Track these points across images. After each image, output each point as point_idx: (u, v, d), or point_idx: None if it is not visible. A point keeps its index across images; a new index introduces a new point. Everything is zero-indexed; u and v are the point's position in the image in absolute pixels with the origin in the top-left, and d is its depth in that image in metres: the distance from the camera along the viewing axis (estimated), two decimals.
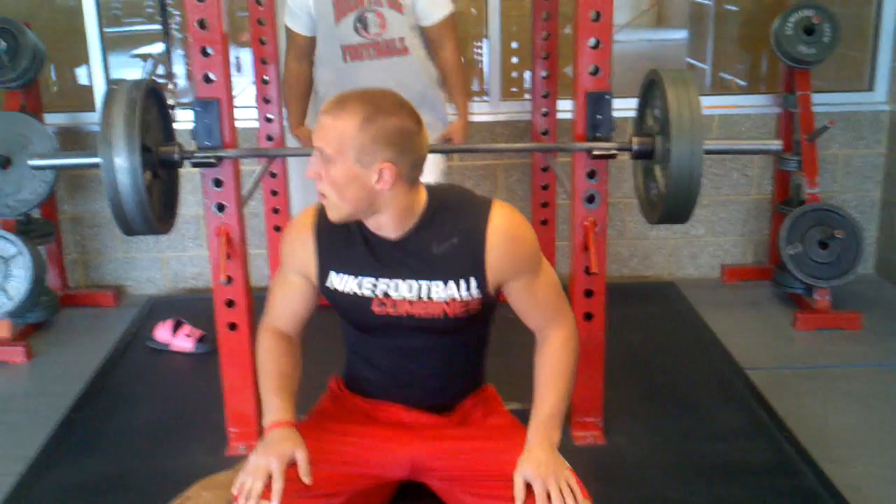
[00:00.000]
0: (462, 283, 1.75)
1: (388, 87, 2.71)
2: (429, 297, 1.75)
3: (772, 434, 2.82)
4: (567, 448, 2.62)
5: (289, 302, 1.92)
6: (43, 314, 3.81)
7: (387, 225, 1.75)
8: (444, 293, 1.75)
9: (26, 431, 2.97)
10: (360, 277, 1.78)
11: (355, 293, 1.79)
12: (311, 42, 3.21)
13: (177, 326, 3.55)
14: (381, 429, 1.85)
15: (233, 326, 2.70)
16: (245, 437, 2.77)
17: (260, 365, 1.91)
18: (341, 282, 1.81)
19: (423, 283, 1.75)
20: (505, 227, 1.78)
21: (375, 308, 1.79)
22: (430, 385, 1.88)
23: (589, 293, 2.70)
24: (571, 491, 1.69)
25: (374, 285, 1.77)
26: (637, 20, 6.47)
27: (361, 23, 3.04)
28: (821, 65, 3.91)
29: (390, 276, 1.76)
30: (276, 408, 1.81)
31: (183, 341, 3.52)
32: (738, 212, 4.29)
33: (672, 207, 2.45)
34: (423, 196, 1.78)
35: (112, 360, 3.48)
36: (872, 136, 4.18)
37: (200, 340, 3.52)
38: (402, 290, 1.76)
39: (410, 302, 1.77)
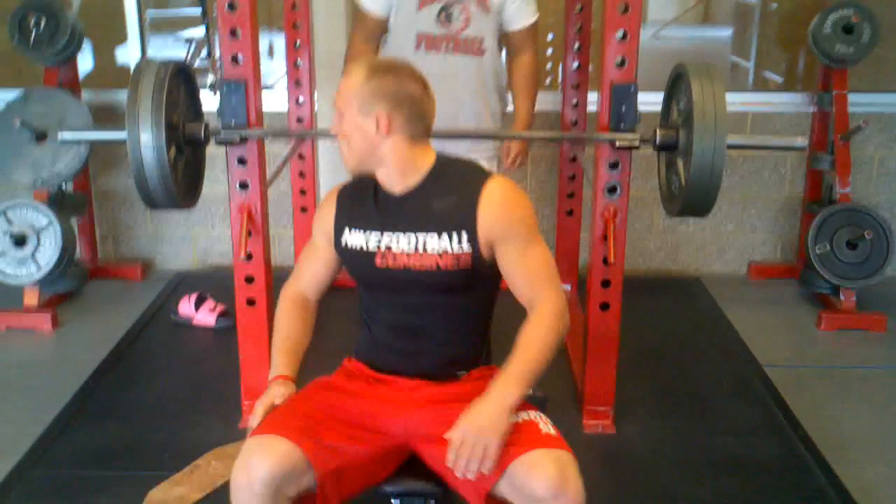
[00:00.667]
0: (454, 235, 1.84)
1: (454, 84, 2.74)
2: (424, 250, 1.85)
3: (785, 432, 2.80)
4: (577, 436, 2.68)
5: (311, 263, 2.06)
6: (71, 284, 3.88)
7: (391, 178, 1.89)
8: (437, 245, 1.85)
9: (48, 396, 3.03)
10: (367, 232, 1.91)
11: (362, 248, 1.91)
12: (383, 24, 3.05)
13: (200, 301, 3.61)
14: (381, 393, 1.91)
15: (251, 302, 2.74)
16: None
17: (275, 326, 2.05)
18: (352, 237, 1.93)
19: (420, 235, 1.86)
20: (500, 189, 1.88)
21: (378, 261, 1.89)
22: (432, 351, 1.92)
23: (606, 283, 2.70)
24: (486, 457, 1.66)
25: (379, 239, 1.89)
26: (683, 17, 6.44)
27: (446, 14, 2.93)
28: (858, 65, 3.85)
29: (392, 230, 1.88)
30: (279, 364, 1.96)
31: (205, 316, 3.58)
32: (769, 209, 4.25)
33: (692, 200, 2.42)
34: (430, 157, 1.92)
35: (135, 331, 3.55)
36: None
37: (222, 315, 3.57)
38: (402, 244, 1.87)
39: (408, 255, 1.87)
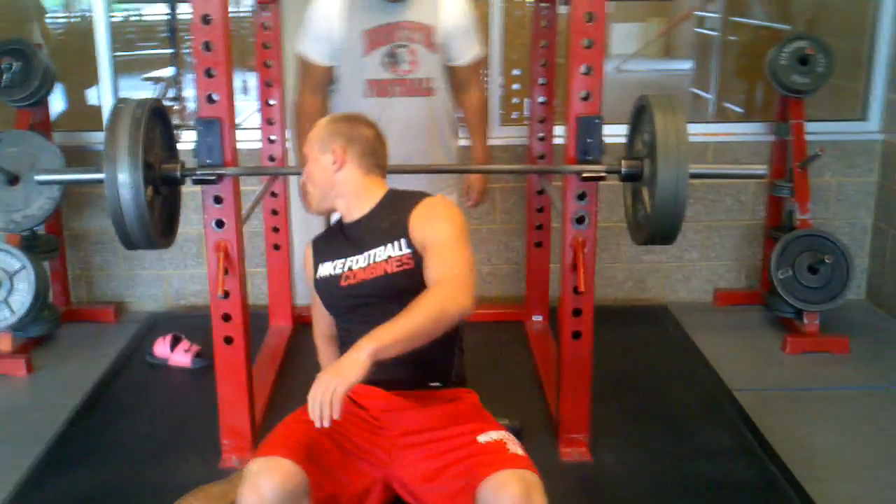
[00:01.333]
0: (395, 243, 2.11)
1: (406, 126, 2.78)
2: (374, 261, 2.12)
3: (756, 453, 2.86)
4: (553, 464, 2.72)
5: (316, 309, 2.36)
6: (44, 328, 3.87)
7: (349, 207, 2.23)
8: (383, 254, 2.12)
9: (25, 443, 3.02)
10: (334, 261, 2.20)
11: (330, 274, 2.20)
12: (329, 72, 3.00)
13: (175, 342, 3.62)
14: (365, 417, 2.04)
15: (229, 340, 2.77)
16: (238, 449, 2.83)
17: (323, 362, 2.42)
18: (323, 269, 2.23)
19: (372, 251, 2.14)
20: (430, 202, 2.17)
21: (342, 283, 2.16)
22: (400, 360, 1.88)
23: (577, 312, 2.76)
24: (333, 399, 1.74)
25: (343, 263, 2.18)
26: (644, 50, 6.61)
27: (392, 58, 2.89)
28: (815, 94, 3.98)
29: (353, 254, 2.17)
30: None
31: (181, 356, 3.59)
32: (732, 237, 4.35)
33: (658, 228, 2.49)
34: (382, 189, 2.26)
35: (111, 373, 3.54)
36: (865, 165, 4.25)
37: (198, 356, 3.59)
38: (360, 262, 2.15)
39: (363, 269, 2.14)
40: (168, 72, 5.39)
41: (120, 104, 2.41)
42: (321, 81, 3.04)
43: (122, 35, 4.19)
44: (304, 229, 3.98)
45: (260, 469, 1.77)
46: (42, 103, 3.93)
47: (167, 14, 5.42)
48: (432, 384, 2.13)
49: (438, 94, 3.01)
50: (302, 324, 3.81)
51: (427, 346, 2.00)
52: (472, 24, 3.03)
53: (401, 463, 1.95)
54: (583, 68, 2.60)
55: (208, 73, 2.56)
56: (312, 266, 2.28)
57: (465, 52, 3.04)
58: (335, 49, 2.94)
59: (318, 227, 3.99)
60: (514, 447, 1.88)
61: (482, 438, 1.89)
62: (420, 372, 2.11)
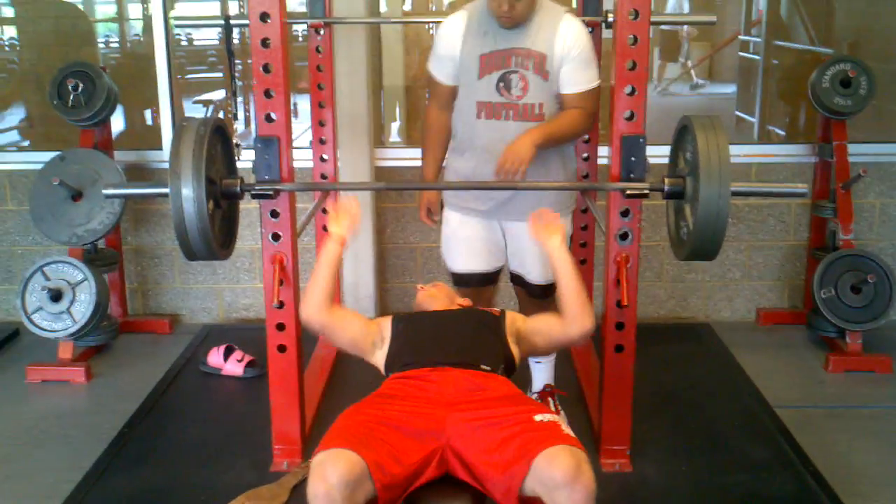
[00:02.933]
0: None
1: None
2: None
3: (796, 469, 2.90)
4: (595, 475, 2.76)
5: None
6: (103, 338, 4.02)
7: None
8: None
9: (85, 445, 3.16)
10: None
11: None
12: (453, 91, 3.03)
13: (228, 352, 3.74)
14: (421, 393, 2.21)
15: (282, 349, 2.88)
16: (289, 454, 2.93)
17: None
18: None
19: None
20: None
21: None
22: (455, 342, 2.37)
23: (620, 325, 2.83)
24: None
25: None
26: (684, 76, 6.67)
27: (504, 83, 2.89)
28: (858, 116, 4.01)
29: None
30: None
31: (234, 366, 3.71)
32: (775, 257, 4.38)
33: (699, 244, 2.54)
34: None
35: (166, 381, 3.68)
36: None
37: (250, 365, 3.71)
38: None
39: None
40: (218, 95, 5.58)
41: (184, 122, 2.53)
42: (446, 99, 3.07)
43: (175, 59, 4.33)
44: (353, 245, 4.09)
45: (324, 460, 1.92)
46: (105, 123, 4.10)
47: (217, 38, 5.63)
48: (483, 366, 2.28)
49: (548, 119, 2.92)
50: None
51: (479, 327, 2.39)
52: (587, 56, 2.91)
53: (458, 435, 2.07)
54: (627, 89, 2.68)
55: (267, 94, 2.69)
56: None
57: (573, 84, 2.90)
58: (457, 69, 2.99)
59: (366, 241, 4.13)
60: (566, 428, 2.05)
61: (538, 417, 2.06)
62: (472, 354, 2.32)
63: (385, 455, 1.98)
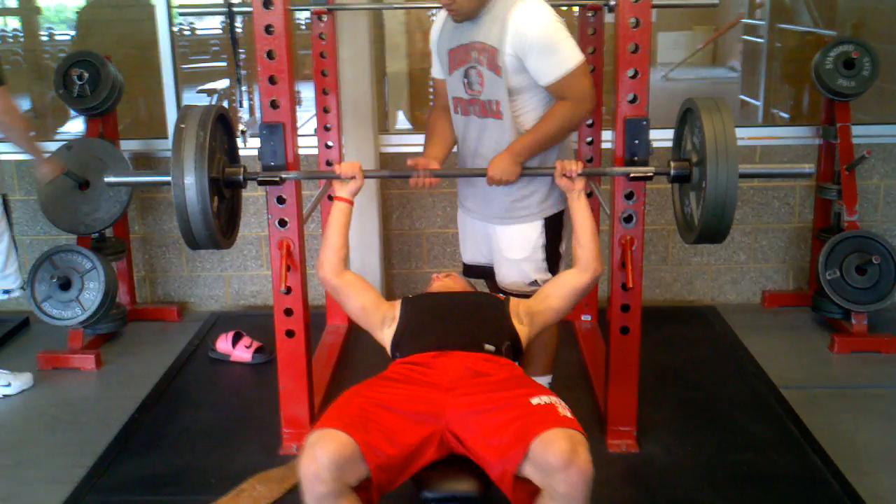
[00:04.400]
0: None
1: (486, 145, 2.79)
2: None
3: (801, 447, 2.93)
4: (601, 455, 2.80)
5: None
6: (112, 326, 4.05)
7: None
8: None
9: (97, 430, 3.20)
10: None
11: None
12: (444, 85, 2.96)
13: (236, 338, 3.77)
14: (424, 376, 2.23)
15: (290, 333, 2.90)
16: (297, 437, 2.96)
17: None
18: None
19: None
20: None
21: None
22: (460, 322, 2.42)
23: (625, 308, 2.85)
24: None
25: None
26: (691, 58, 6.66)
27: (468, 79, 2.79)
28: (862, 98, 4.01)
29: None
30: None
31: (242, 352, 3.74)
32: (780, 239, 4.39)
33: (708, 227, 2.54)
34: None
35: (176, 368, 3.71)
36: None
37: (258, 351, 3.74)
38: None
39: None
40: (222, 84, 5.60)
41: (186, 110, 2.54)
42: (443, 95, 2.99)
43: (177, 48, 4.35)
44: (359, 230, 4.12)
45: (316, 440, 1.95)
46: (111, 112, 4.11)
47: (220, 26, 5.64)
48: (487, 346, 2.30)
49: (507, 117, 2.76)
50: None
51: (484, 309, 2.45)
52: (548, 41, 2.64)
53: (457, 419, 2.08)
54: (630, 72, 2.69)
55: (272, 80, 2.70)
56: None
57: (546, 73, 2.67)
58: (441, 65, 2.93)
59: (372, 227, 4.15)
60: (564, 410, 2.05)
61: (535, 401, 2.07)
62: (476, 335, 2.33)
63: (378, 436, 2.00)
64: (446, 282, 2.76)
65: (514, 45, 2.64)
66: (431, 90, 3.31)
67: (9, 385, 3.54)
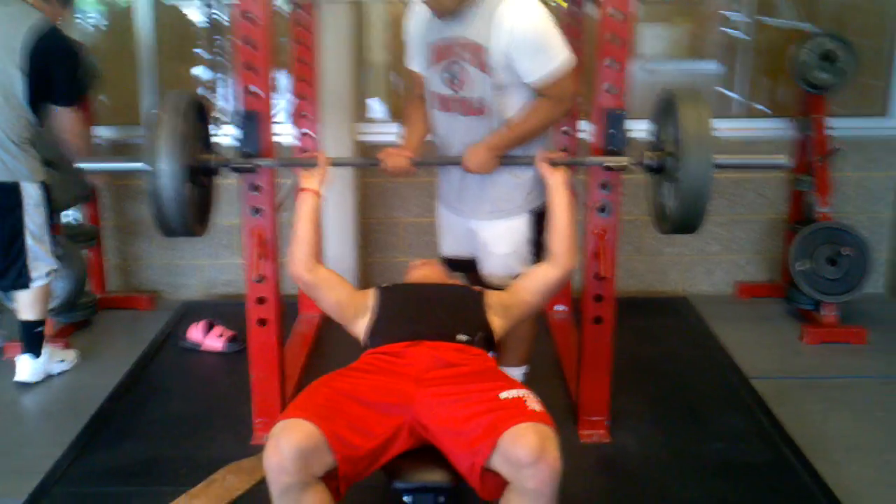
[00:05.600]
0: None
1: (466, 144, 2.73)
2: None
3: (771, 437, 2.95)
4: (573, 445, 2.81)
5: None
6: (83, 315, 4.02)
7: None
8: None
9: (66, 420, 3.16)
10: None
11: None
12: (421, 77, 2.91)
13: (209, 327, 3.75)
14: (393, 367, 2.21)
15: (262, 322, 2.88)
16: (270, 427, 2.86)
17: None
18: None
19: None
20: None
21: None
22: (435, 311, 2.41)
23: (599, 298, 2.85)
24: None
25: None
26: (671, 51, 6.68)
27: (449, 74, 2.73)
28: (841, 92, 4.03)
29: None
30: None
31: (214, 341, 3.71)
32: (754, 230, 4.42)
33: (683, 217, 2.55)
34: None
35: (147, 357, 3.68)
36: (885, 160, 4.31)
37: (231, 340, 3.71)
38: None
39: None
40: (199, 72, 5.54)
41: (164, 97, 2.51)
42: (419, 85, 2.93)
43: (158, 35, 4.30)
44: (336, 219, 4.10)
45: (280, 430, 1.93)
46: (85, 97, 4.05)
47: (201, 14, 5.58)
48: (459, 337, 2.29)
49: (492, 115, 2.73)
50: None
51: (459, 300, 2.43)
52: (536, 39, 2.61)
53: (426, 410, 2.07)
54: (608, 61, 2.69)
55: (249, 67, 2.67)
56: None
57: (531, 72, 2.64)
58: (420, 58, 2.88)
59: (347, 216, 4.12)
60: (533, 404, 2.03)
61: (504, 395, 2.04)
62: (449, 325, 2.32)
63: (345, 427, 1.98)
64: (424, 270, 2.74)
65: (503, 41, 2.60)
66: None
67: (63, 361, 3.60)
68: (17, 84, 3.16)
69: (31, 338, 3.45)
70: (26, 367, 3.46)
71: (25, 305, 3.39)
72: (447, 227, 3.07)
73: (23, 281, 3.32)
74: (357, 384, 2.13)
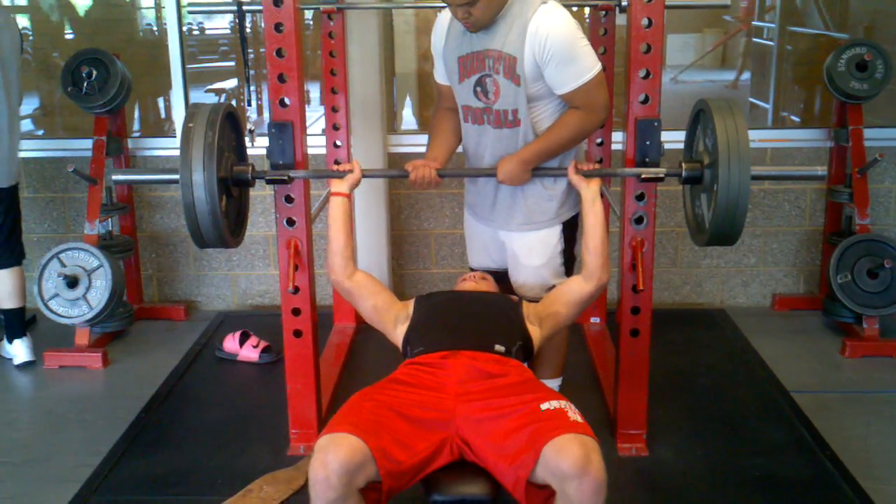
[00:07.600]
0: None
1: (497, 157, 2.73)
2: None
3: (812, 452, 2.90)
4: (610, 458, 2.78)
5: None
6: (119, 325, 4.04)
7: None
8: None
9: (104, 429, 3.18)
10: None
11: None
12: (450, 90, 2.90)
13: (244, 338, 3.76)
14: (435, 380, 2.20)
15: (298, 333, 2.88)
16: (305, 438, 2.94)
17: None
18: None
19: None
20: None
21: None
22: (472, 321, 2.41)
23: (636, 310, 2.83)
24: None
25: None
26: (700, 61, 6.64)
27: (481, 87, 2.72)
28: (874, 100, 3.98)
29: None
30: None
31: (249, 351, 3.72)
32: (790, 243, 4.36)
33: (720, 230, 2.52)
34: None
35: (182, 367, 3.70)
36: None
37: (265, 351, 3.72)
38: None
39: None
40: (230, 83, 5.59)
41: (195, 109, 2.52)
42: (448, 98, 2.93)
43: (186, 48, 4.34)
44: (367, 231, 4.10)
45: (326, 444, 1.92)
46: (119, 110, 4.10)
47: (229, 26, 5.64)
48: (498, 347, 2.28)
49: (524, 126, 2.71)
50: (364, 324, 3.91)
51: (498, 309, 2.44)
52: (569, 50, 2.59)
53: (467, 426, 2.06)
54: (642, 72, 2.67)
55: (281, 78, 2.68)
56: None
57: (563, 83, 2.63)
58: (449, 71, 2.85)
59: (379, 227, 4.13)
60: (574, 415, 2.02)
61: (544, 406, 2.04)
62: (488, 335, 2.32)
63: (391, 442, 1.98)
64: (472, 283, 2.73)
65: (534, 52, 2.59)
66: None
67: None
68: None
69: (22, 323, 3.77)
70: (22, 349, 3.75)
71: (10, 294, 3.70)
72: (475, 237, 3.06)
73: None
74: (400, 398, 2.13)
